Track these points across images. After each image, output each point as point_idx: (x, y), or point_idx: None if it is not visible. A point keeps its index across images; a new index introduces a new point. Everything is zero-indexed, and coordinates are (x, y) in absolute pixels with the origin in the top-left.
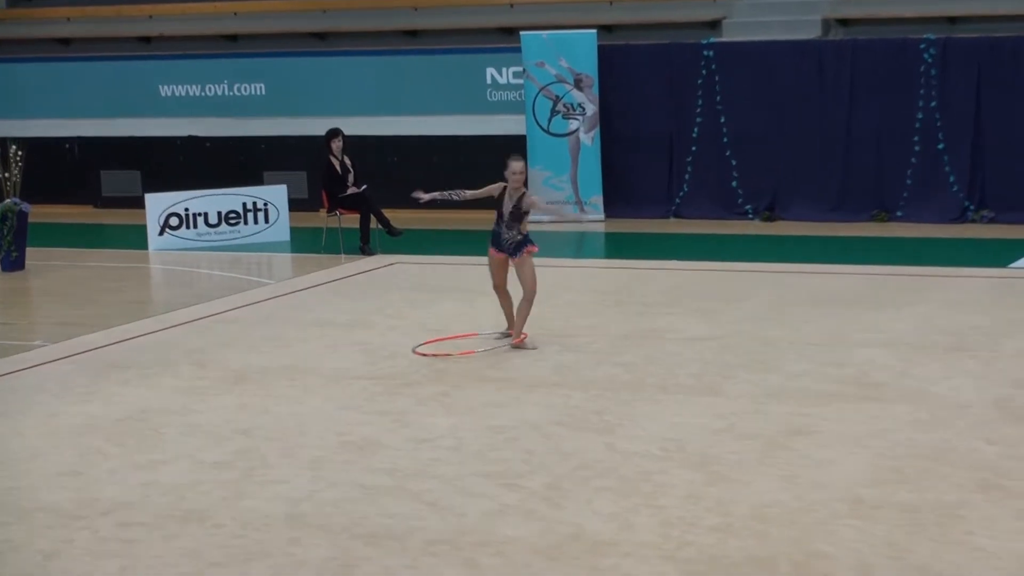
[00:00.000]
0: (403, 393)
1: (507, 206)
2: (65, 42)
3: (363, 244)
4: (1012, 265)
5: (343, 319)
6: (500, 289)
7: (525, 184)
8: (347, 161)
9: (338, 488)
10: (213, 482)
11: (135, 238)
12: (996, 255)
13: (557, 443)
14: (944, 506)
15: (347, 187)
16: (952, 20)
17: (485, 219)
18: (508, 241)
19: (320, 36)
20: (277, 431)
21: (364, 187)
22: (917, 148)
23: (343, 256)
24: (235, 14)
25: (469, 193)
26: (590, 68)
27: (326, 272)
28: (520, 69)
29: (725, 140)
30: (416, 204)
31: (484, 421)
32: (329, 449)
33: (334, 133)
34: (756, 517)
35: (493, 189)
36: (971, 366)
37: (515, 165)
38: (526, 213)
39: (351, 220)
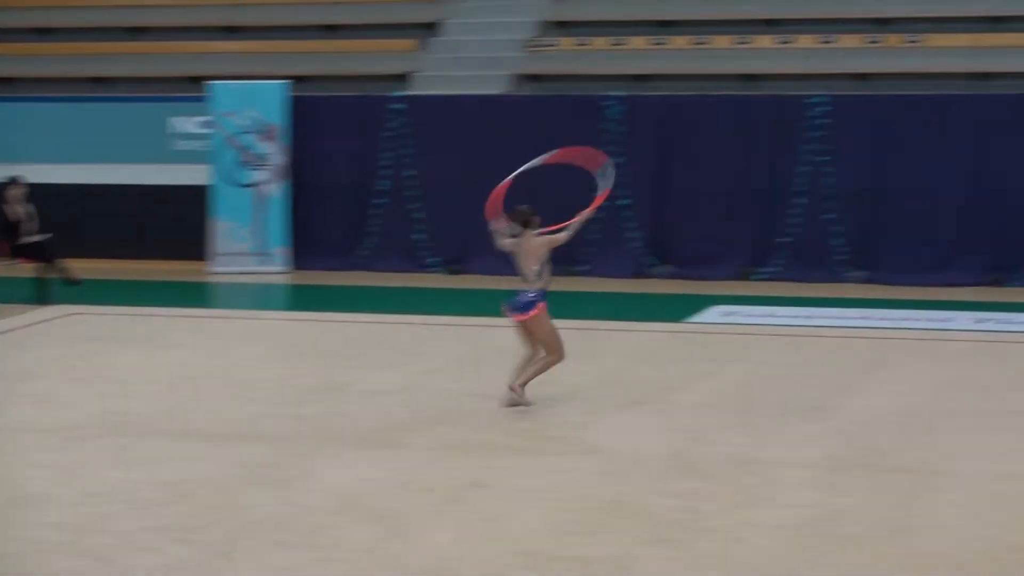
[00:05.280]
0: (77, 446)
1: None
2: None
3: (42, 293)
4: (688, 319)
5: (15, 369)
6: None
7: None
8: (29, 209)
9: (10, 544)
10: None
11: None
12: (676, 310)
13: (233, 496)
14: (616, 559)
15: (23, 236)
16: (637, 78)
17: (170, 269)
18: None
19: (4, 80)
20: None
21: (49, 236)
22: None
23: (21, 306)
24: None
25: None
26: (280, 119)
27: (2, 322)
28: (206, 119)
29: (412, 193)
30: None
31: (159, 474)
32: None
33: (12, 181)
34: (432, 570)
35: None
36: (647, 420)
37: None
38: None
39: (31, 269)
